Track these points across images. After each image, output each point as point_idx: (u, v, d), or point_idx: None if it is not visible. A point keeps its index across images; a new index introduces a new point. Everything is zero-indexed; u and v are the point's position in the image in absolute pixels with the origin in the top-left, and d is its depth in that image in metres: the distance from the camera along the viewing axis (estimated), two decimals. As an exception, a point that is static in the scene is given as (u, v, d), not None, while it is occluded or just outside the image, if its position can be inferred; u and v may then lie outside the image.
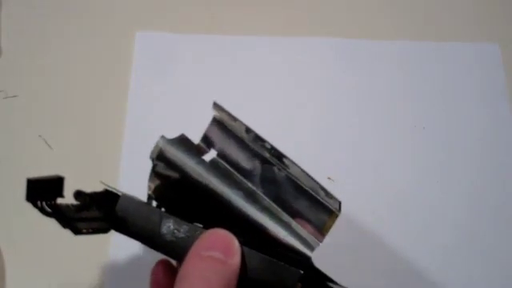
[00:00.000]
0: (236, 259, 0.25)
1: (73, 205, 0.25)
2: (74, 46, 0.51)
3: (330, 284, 0.27)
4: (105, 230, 0.27)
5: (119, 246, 0.42)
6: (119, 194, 0.26)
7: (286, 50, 0.51)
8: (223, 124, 0.28)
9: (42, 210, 0.24)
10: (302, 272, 0.25)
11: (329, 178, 0.45)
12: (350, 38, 0.52)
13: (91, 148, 0.46)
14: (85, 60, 0.51)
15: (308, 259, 0.26)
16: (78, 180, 0.27)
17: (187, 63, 0.50)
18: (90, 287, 0.42)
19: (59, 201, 0.24)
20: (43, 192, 0.24)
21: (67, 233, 0.25)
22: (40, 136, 0.47)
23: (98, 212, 0.26)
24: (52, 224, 0.25)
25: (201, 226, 0.26)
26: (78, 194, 0.25)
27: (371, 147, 0.47)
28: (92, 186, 0.26)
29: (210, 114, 0.28)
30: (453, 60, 0.51)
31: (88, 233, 0.26)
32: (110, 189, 0.26)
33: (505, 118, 0.49)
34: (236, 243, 0.25)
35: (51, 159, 0.46)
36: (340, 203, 0.27)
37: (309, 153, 0.46)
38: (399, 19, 0.54)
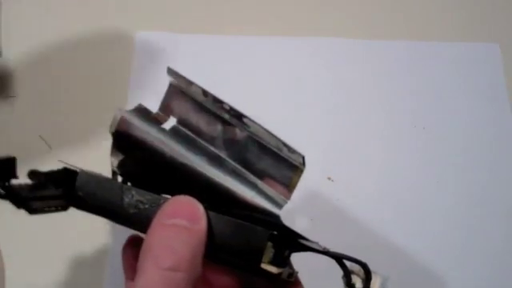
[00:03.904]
0: (201, 225, 0.24)
1: (27, 184, 0.25)
2: (73, 45, 0.51)
3: (302, 241, 0.26)
4: (64, 208, 0.26)
5: (119, 245, 0.42)
6: (77, 170, 0.26)
7: (286, 49, 0.51)
8: (180, 89, 0.28)
9: None
10: (270, 231, 0.24)
11: (329, 178, 0.45)
12: (350, 38, 0.52)
13: (91, 148, 0.46)
14: (85, 60, 0.51)
15: (277, 218, 0.25)
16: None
17: (187, 63, 0.50)
18: (90, 286, 0.42)
19: (13, 182, 0.24)
20: None
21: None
22: (40, 136, 0.47)
23: (55, 190, 0.25)
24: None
25: (168, 196, 0.25)
26: (32, 174, 0.24)
27: (371, 147, 0.47)
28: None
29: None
30: (453, 60, 0.51)
31: (44, 211, 0.26)
32: (69, 166, 0.26)
33: (505, 118, 0.49)
34: (201, 208, 0.24)
35: (51, 159, 0.46)
36: (303, 157, 0.26)
37: (309, 153, 0.46)
38: (399, 19, 0.54)
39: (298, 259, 0.27)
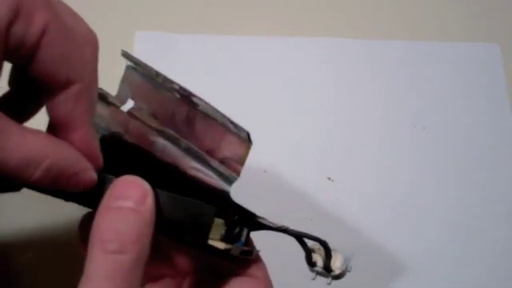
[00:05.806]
0: (148, 205, 0.23)
1: None
2: (73, 45, 0.51)
3: (257, 219, 0.27)
4: (16, 188, 0.26)
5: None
6: None
7: (286, 50, 0.51)
8: (136, 72, 0.29)
9: None
10: (215, 208, 0.25)
11: (329, 178, 0.45)
12: (350, 37, 0.52)
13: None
14: (85, 60, 0.50)
15: (227, 194, 0.26)
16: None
17: (187, 63, 0.50)
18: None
19: None
20: None
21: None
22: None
23: None
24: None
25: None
26: None
27: (371, 147, 0.47)
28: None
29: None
30: (453, 60, 0.51)
31: None
32: None
33: (505, 118, 0.49)
34: (147, 188, 0.24)
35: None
36: (248, 133, 0.26)
37: (309, 153, 0.46)
38: (399, 19, 0.54)
39: (263, 239, 0.28)
